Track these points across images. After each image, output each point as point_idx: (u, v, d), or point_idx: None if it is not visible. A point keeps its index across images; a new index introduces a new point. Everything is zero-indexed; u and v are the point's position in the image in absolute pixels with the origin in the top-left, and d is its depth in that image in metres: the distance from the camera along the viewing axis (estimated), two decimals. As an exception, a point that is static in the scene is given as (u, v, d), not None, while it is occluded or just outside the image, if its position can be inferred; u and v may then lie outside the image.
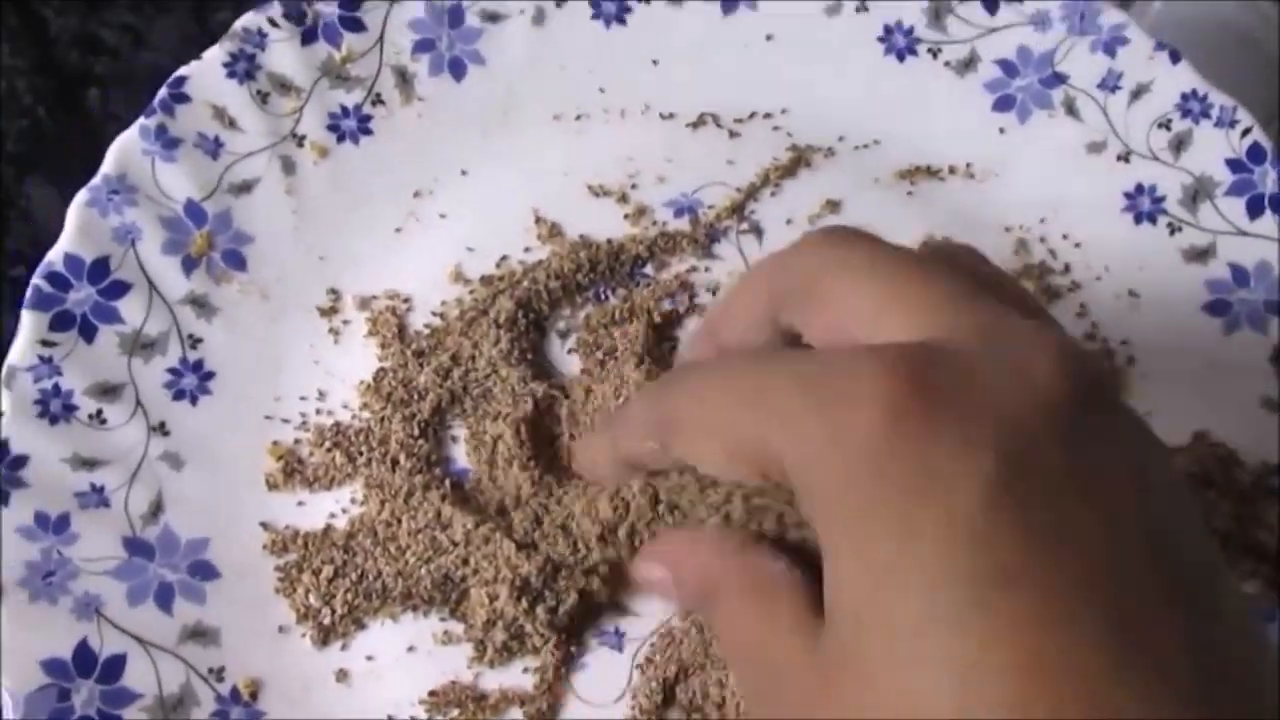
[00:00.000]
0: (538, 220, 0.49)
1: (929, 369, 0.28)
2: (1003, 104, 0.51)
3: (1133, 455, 0.28)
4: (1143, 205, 0.50)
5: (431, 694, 0.42)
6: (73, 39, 0.53)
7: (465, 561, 0.43)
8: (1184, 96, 0.50)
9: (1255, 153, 0.49)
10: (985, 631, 0.25)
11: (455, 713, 0.41)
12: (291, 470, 0.44)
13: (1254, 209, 0.49)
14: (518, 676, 0.42)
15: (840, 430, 0.28)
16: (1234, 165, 0.49)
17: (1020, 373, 0.28)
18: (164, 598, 0.42)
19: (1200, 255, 0.49)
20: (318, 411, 0.45)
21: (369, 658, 0.42)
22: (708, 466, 0.34)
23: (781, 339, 0.35)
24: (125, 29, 0.54)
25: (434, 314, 0.47)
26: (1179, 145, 0.50)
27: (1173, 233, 0.49)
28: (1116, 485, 0.27)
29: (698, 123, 0.51)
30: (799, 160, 0.50)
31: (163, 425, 0.44)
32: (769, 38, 0.52)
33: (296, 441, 0.45)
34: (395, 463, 0.44)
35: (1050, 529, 0.26)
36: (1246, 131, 0.49)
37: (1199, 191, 0.49)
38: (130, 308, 0.45)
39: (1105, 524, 0.26)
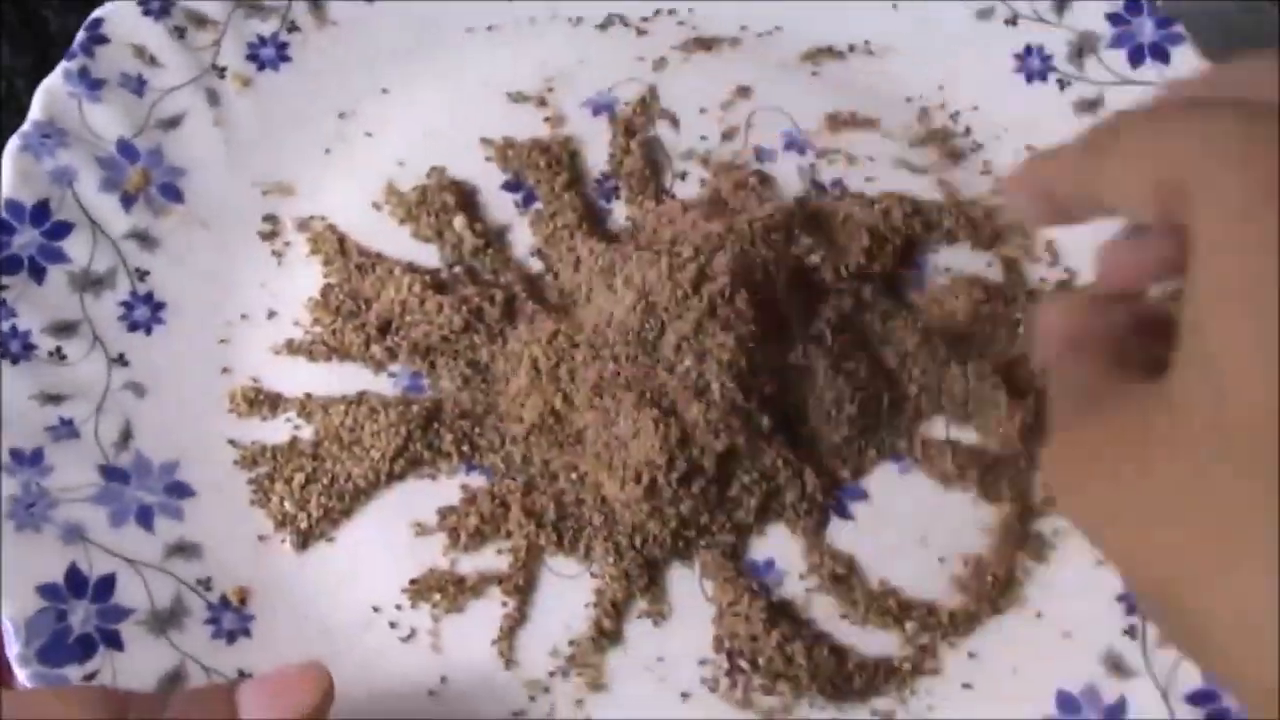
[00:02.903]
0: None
1: None
2: (893, -20, 0.54)
3: None
4: (1033, 65, 0.52)
5: (413, 583, 0.44)
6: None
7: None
8: (1063, -42, 0.53)
9: (1133, 5, 0.52)
10: None
11: (437, 598, 0.44)
12: (254, 401, 0.46)
13: (1135, 58, 0.52)
14: (492, 559, 0.44)
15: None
16: (1114, 19, 0.52)
17: None
18: (145, 518, 0.43)
19: (1090, 106, 0.52)
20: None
21: (349, 556, 0.44)
22: (1128, 193, 0.32)
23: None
24: None
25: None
26: (1061, 5, 0.52)
27: (1062, 88, 0.52)
28: None
29: (605, 24, 0.53)
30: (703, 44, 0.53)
31: (121, 356, 0.45)
32: (666, -64, 0.54)
33: (254, 379, 0.47)
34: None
35: None
36: (1124, -15, 0.52)
37: (1083, 47, 0.52)
38: (75, 246, 0.46)
39: None
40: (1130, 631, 0.44)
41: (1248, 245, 0.28)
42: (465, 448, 0.45)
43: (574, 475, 0.45)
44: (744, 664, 0.43)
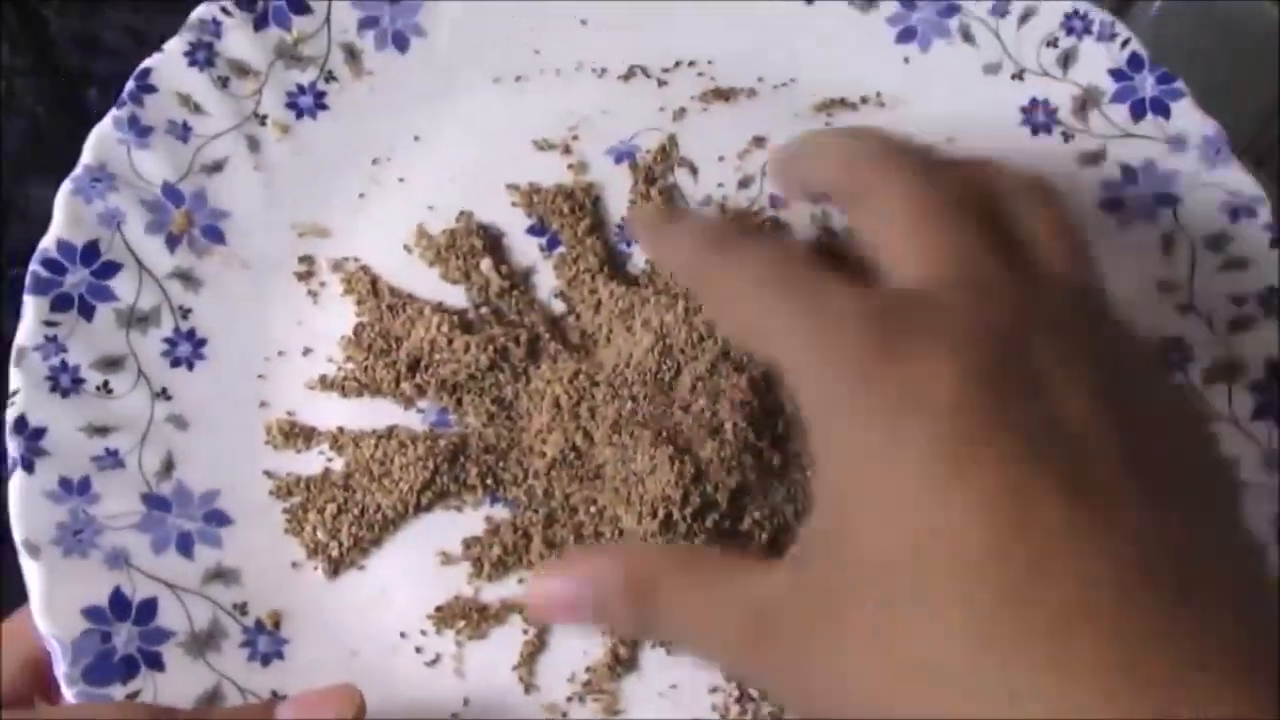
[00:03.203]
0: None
1: (910, 308, 0.34)
2: (905, 36, 0.56)
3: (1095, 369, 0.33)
4: (1038, 118, 0.54)
5: (438, 610, 0.46)
6: (73, 39, 0.54)
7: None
8: (1067, 16, 0.55)
9: (1135, 61, 0.54)
10: (965, 496, 0.30)
11: (461, 624, 0.46)
12: (290, 435, 0.48)
13: (1137, 112, 0.54)
14: (514, 588, 0.47)
15: (832, 346, 0.33)
16: (1116, 74, 0.54)
17: (983, 311, 0.34)
18: (184, 545, 0.45)
19: (1093, 159, 0.54)
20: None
21: (378, 582, 0.46)
22: (724, 329, 0.39)
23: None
24: (125, 29, 0.55)
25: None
26: (1066, 60, 0.55)
27: (1066, 140, 0.54)
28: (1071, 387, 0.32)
29: (628, 75, 0.55)
30: (721, 95, 0.55)
31: (165, 391, 0.48)
32: (687, -9, 0.56)
33: (289, 413, 0.49)
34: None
35: (1018, 414, 0.31)
36: (1125, 43, 0.54)
37: (1087, 101, 0.54)
38: (122, 285, 0.48)
39: (1071, 405, 0.32)
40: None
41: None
42: (489, 481, 0.47)
43: (593, 509, 0.47)
44: (754, 692, 0.45)
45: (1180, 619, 0.28)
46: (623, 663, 0.46)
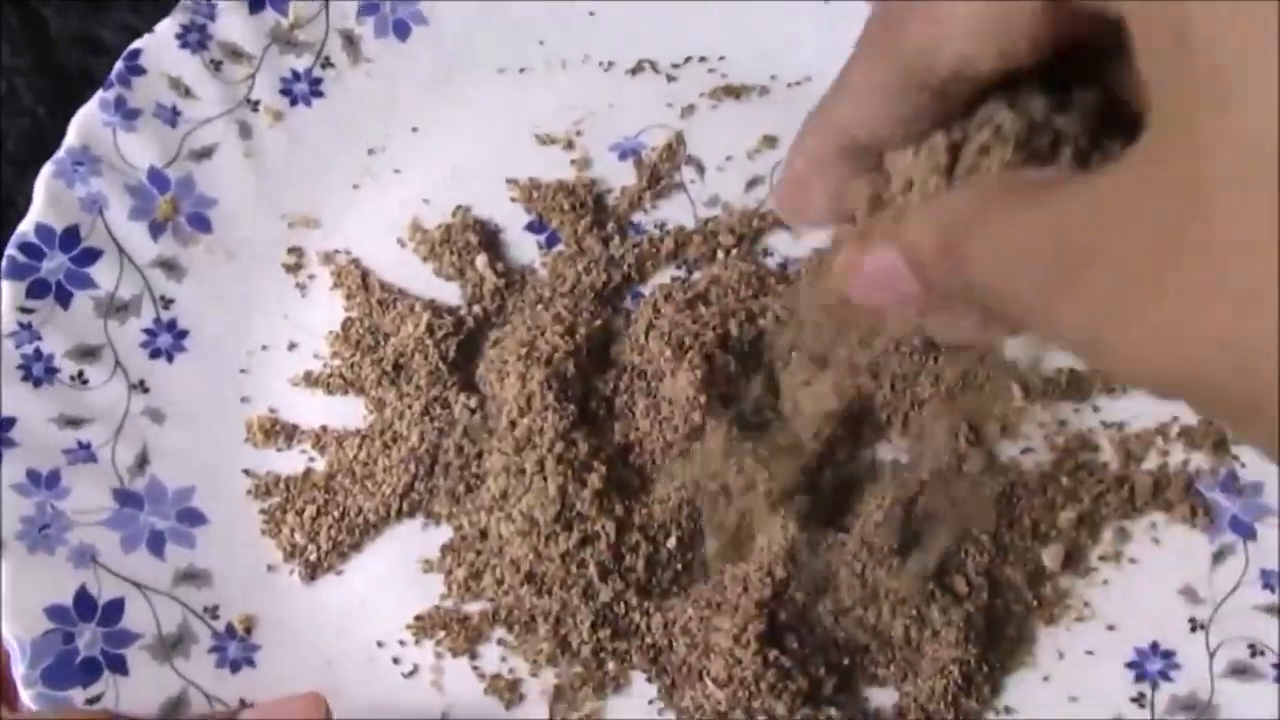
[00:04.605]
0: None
1: None
2: (925, 35, 0.54)
3: None
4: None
5: (417, 619, 0.44)
6: (73, 39, 0.54)
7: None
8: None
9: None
10: None
11: (441, 634, 0.44)
12: (271, 432, 0.46)
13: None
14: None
15: None
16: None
17: None
18: (156, 544, 0.44)
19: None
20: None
21: (356, 588, 0.44)
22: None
23: None
24: (125, 29, 0.54)
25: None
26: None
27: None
28: None
29: (636, 69, 0.53)
30: (732, 92, 0.53)
31: (142, 383, 0.46)
32: (699, -15, 0.54)
33: (271, 409, 0.47)
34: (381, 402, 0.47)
35: None
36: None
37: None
38: (102, 273, 0.47)
39: None
40: (1139, 699, 0.43)
41: None
42: (455, 508, 0.46)
43: None
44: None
45: None
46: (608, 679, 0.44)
